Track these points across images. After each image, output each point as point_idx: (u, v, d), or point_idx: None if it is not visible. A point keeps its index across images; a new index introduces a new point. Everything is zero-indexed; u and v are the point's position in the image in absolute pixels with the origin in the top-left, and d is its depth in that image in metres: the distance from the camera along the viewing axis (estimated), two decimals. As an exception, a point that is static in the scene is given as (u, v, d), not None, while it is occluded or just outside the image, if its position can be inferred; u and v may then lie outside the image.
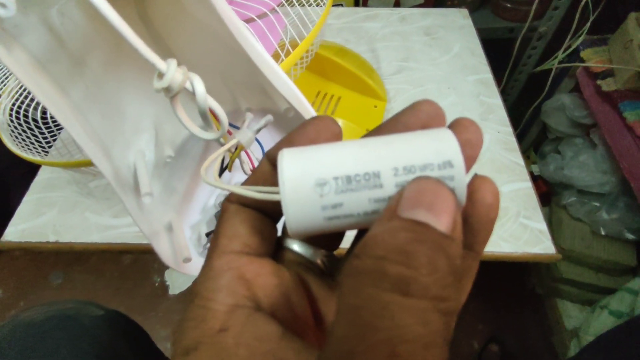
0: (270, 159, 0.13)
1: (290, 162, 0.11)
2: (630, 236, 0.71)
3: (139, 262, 1.00)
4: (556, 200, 0.84)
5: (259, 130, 0.20)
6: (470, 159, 0.11)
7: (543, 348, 0.84)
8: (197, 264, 0.24)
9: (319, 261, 0.14)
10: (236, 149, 0.20)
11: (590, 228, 0.76)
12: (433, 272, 0.08)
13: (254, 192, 0.12)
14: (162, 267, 0.99)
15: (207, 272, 0.12)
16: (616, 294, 0.69)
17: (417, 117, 0.12)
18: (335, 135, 0.12)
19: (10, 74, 0.43)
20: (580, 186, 0.75)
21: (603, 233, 0.74)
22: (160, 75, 0.15)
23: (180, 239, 0.24)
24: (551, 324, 0.84)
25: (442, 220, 0.09)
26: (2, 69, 0.42)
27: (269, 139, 0.27)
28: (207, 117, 0.17)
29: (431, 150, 0.10)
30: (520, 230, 0.42)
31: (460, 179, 0.10)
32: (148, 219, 0.21)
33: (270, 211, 0.13)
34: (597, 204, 0.75)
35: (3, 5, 0.11)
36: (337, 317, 0.09)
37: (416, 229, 0.09)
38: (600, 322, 0.68)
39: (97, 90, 0.20)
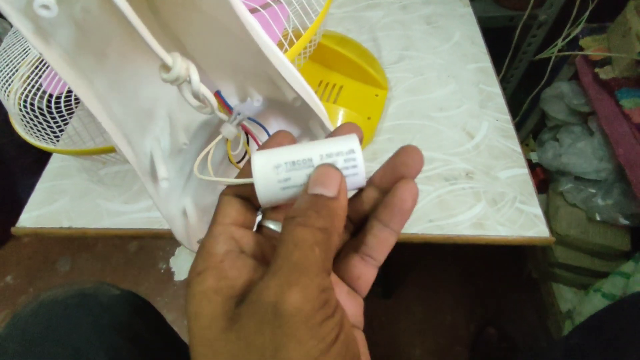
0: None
1: (259, 157, 0.17)
2: (624, 221, 0.72)
3: (145, 249, 1.02)
4: (553, 187, 0.85)
5: (239, 123, 0.23)
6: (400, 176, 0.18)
7: (539, 330, 0.86)
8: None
9: None
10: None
11: (586, 214, 0.78)
12: (318, 215, 0.15)
13: (233, 180, 0.18)
14: (168, 254, 1.01)
15: (209, 235, 0.18)
16: (609, 277, 0.71)
17: (341, 131, 0.19)
18: (292, 139, 0.20)
19: (20, 63, 0.44)
20: (577, 173, 0.77)
21: (598, 219, 0.75)
22: (167, 68, 0.17)
23: (194, 221, 0.25)
24: (547, 307, 0.86)
25: (330, 189, 0.16)
26: (16, 57, 0.43)
27: (276, 126, 0.28)
28: (200, 98, 0.19)
29: (342, 144, 0.17)
30: (516, 215, 0.44)
31: (360, 160, 0.17)
32: (166, 203, 0.23)
33: (252, 198, 0.18)
34: (593, 191, 0.77)
35: (46, 7, 0.12)
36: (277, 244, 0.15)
37: (313, 199, 0.16)
38: (593, 304, 0.70)
39: (116, 81, 0.21)
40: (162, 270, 0.98)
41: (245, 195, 0.19)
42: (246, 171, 0.18)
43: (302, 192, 0.17)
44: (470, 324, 0.88)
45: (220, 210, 0.18)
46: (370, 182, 0.19)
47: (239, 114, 0.23)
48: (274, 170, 0.17)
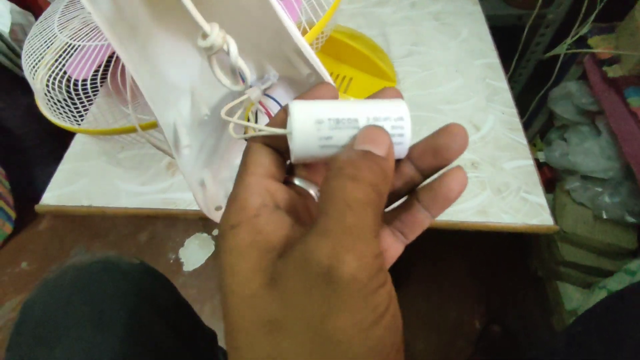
0: (286, 110, 0.17)
1: (299, 106, 0.16)
2: (631, 220, 0.73)
3: (155, 239, 1.05)
4: (560, 186, 0.85)
5: (265, 88, 0.24)
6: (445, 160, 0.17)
7: (543, 328, 0.87)
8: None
9: (312, 192, 0.19)
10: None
11: (593, 212, 0.78)
12: (370, 171, 0.14)
13: (269, 128, 0.17)
14: (177, 245, 1.04)
15: (241, 185, 0.16)
16: (615, 275, 0.71)
17: (384, 95, 0.19)
18: (334, 95, 0.18)
19: (46, 51, 0.47)
20: (584, 172, 0.77)
21: (605, 217, 0.76)
22: (205, 35, 0.18)
23: (212, 189, 0.27)
24: (552, 305, 0.87)
25: (380, 148, 0.15)
26: (40, 46, 0.45)
27: (286, 97, 0.30)
28: (236, 73, 0.20)
29: (391, 109, 0.16)
30: (520, 204, 0.45)
31: (407, 129, 0.16)
32: (189, 172, 0.24)
33: (283, 150, 0.18)
34: (600, 189, 0.77)
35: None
36: (320, 198, 0.14)
37: (363, 153, 0.15)
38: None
39: (145, 53, 0.23)
40: (172, 261, 1.01)
41: (275, 146, 0.17)
42: (279, 120, 0.17)
43: (346, 148, 0.16)
44: (475, 320, 0.89)
45: (252, 158, 0.17)
46: (407, 155, 0.17)
47: (269, 78, 0.24)
48: (316, 126, 0.15)
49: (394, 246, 0.18)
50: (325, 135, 0.15)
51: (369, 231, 0.13)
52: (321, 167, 0.20)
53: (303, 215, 0.18)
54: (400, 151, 0.17)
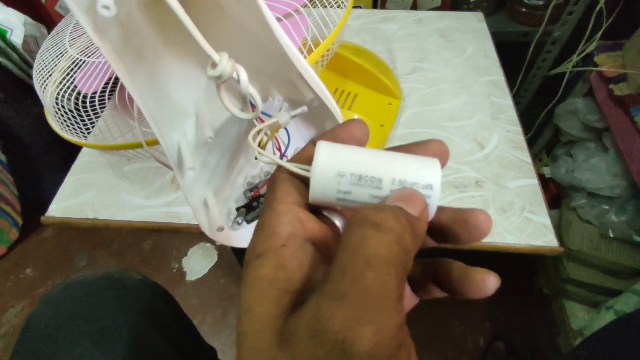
0: (314, 144, 0.17)
1: (324, 153, 0.15)
2: (638, 239, 0.72)
3: (158, 249, 1.05)
4: (566, 203, 0.85)
5: (294, 115, 0.24)
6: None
7: (548, 347, 0.85)
8: (227, 233, 0.28)
9: (337, 224, 0.18)
10: (269, 132, 0.23)
11: (599, 230, 0.77)
12: (397, 220, 0.13)
13: (295, 168, 0.16)
14: (181, 254, 1.04)
15: (272, 213, 0.15)
16: (622, 295, 0.70)
17: (427, 147, 0.17)
18: (366, 133, 0.17)
19: (57, 64, 0.48)
20: (590, 189, 0.77)
21: (612, 235, 0.75)
22: (214, 65, 0.18)
23: (214, 211, 0.27)
24: (558, 323, 0.85)
25: (413, 208, 0.14)
26: (51, 60, 0.46)
27: (293, 125, 0.30)
28: (247, 101, 0.20)
29: (421, 174, 0.15)
30: (524, 224, 0.45)
31: (435, 198, 0.15)
32: (192, 192, 0.25)
33: (309, 182, 0.17)
34: (607, 207, 0.76)
35: (107, 8, 0.14)
36: (338, 248, 0.13)
37: (394, 208, 0.13)
38: (605, 322, 0.69)
39: (151, 79, 0.24)
40: (175, 270, 1.01)
41: (301, 178, 0.17)
42: (307, 154, 0.17)
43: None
44: (479, 338, 0.88)
45: (280, 188, 0.16)
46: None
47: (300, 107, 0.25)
48: (336, 179, 0.15)
49: (411, 297, 0.17)
50: (344, 190, 0.15)
51: (391, 297, 0.12)
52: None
53: (333, 252, 0.17)
54: None
